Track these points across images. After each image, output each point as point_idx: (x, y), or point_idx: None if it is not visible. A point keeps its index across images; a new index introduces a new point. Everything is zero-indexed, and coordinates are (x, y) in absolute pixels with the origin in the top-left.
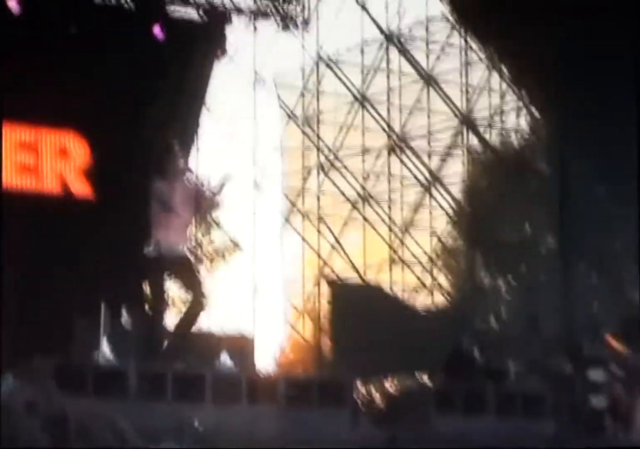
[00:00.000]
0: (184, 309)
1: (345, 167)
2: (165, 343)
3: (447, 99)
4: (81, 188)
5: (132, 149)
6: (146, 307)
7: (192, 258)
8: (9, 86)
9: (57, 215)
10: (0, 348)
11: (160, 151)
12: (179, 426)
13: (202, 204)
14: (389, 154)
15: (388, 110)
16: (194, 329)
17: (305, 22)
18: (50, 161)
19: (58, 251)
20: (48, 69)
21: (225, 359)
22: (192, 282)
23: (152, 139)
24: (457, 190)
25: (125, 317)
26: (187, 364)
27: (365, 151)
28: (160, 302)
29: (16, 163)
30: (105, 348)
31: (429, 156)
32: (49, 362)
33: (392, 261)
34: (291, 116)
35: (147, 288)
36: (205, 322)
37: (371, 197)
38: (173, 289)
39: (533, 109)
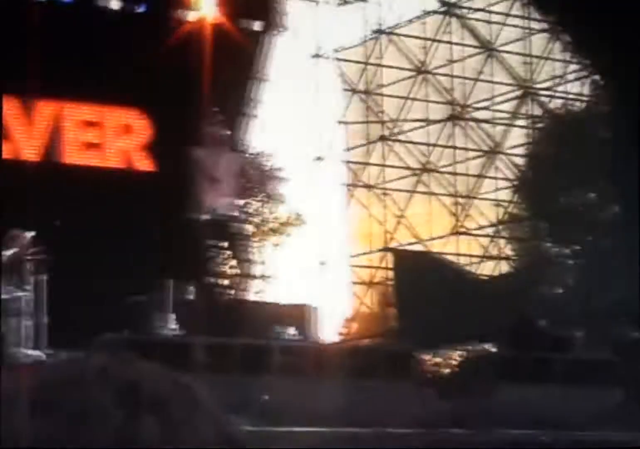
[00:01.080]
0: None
1: (409, 139)
2: (231, 314)
3: (509, 69)
4: (145, 164)
5: (191, 123)
6: (209, 279)
7: (239, 226)
8: (71, 66)
9: (122, 191)
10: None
11: (212, 124)
12: (247, 399)
13: (250, 173)
14: (453, 125)
15: (451, 81)
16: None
17: None
18: (115, 138)
19: (124, 228)
20: (109, 48)
21: (292, 330)
22: (238, 248)
23: (209, 113)
24: (520, 160)
25: (190, 290)
26: (254, 336)
27: (428, 122)
28: (219, 273)
29: (80, 141)
30: (173, 322)
31: (493, 127)
32: (120, 336)
33: (457, 232)
34: (354, 89)
35: (205, 258)
36: (273, 294)
37: (435, 168)
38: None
39: (595, 77)
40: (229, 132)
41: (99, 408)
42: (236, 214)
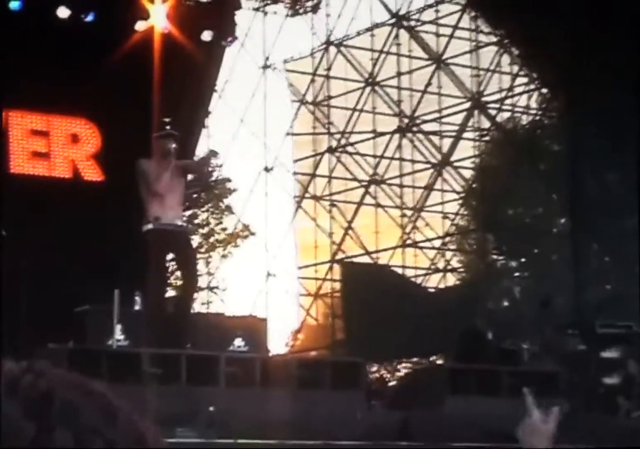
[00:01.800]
0: (178, 289)
1: (357, 151)
2: (178, 325)
3: (457, 81)
4: (91, 173)
5: (139, 134)
6: (155, 290)
7: (187, 236)
8: (18, 74)
9: (68, 200)
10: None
11: (161, 135)
12: (194, 410)
13: (198, 180)
14: (400, 137)
15: (399, 93)
16: (195, 309)
17: (315, 7)
18: (62, 147)
19: (71, 237)
20: (57, 56)
21: (239, 341)
22: (186, 259)
23: (159, 123)
24: (468, 172)
25: (137, 301)
26: (201, 347)
27: (376, 134)
28: (166, 283)
29: (27, 150)
30: (119, 333)
31: (440, 138)
32: (63, 347)
33: (404, 244)
34: (302, 100)
35: (152, 269)
36: (220, 305)
37: (383, 180)
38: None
39: (544, 90)
40: (176, 144)
41: (9, 421)
42: (183, 224)
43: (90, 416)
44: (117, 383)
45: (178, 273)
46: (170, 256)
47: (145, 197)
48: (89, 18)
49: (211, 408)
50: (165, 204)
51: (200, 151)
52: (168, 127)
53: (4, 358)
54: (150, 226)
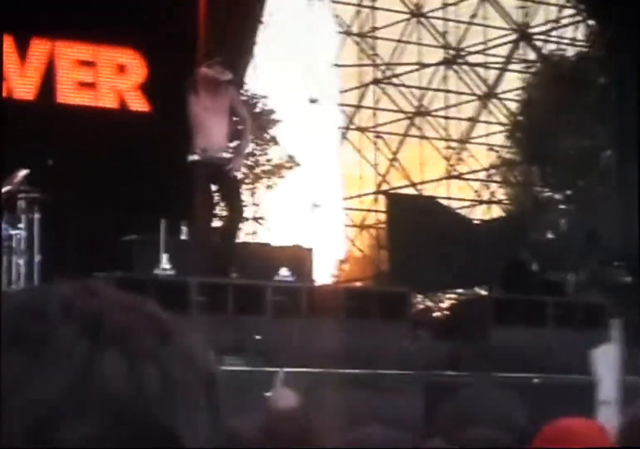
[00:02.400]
0: (224, 220)
1: (402, 83)
2: (225, 255)
3: (503, 13)
4: (139, 104)
5: (186, 64)
6: (201, 219)
7: (230, 168)
8: (64, 5)
9: (115, 132)
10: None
11: (208, 64)
12: (241, 339)
13: (243, 115)
14: (446, 69)
15: (444, 24)
16: (241, 240)
17: None
18: (108, 77)
19: (116, 168)
20: None
21: (284, 271)
22: (231, 192)
23: (207, 53)
24: (514, 104)
25: (183, 231)
26: (247, 276)
27: (421, 66)
28: (212, 213)
29: (73, 80)
30: (165, 262)
31: (486, 70)
32: (110, 276)
33: (449, 176)
34: (347, 31)
35: (198, 200)
36: (266, 236)
37: (428, 112)
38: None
39: (590, 22)
40: (225, 74)
41: (64, 340)
42: (228, 156)
43: (142, 338)
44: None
45: (225, 203)
46: (215, 186)
47: (192, 127)
48: None
49: (258, 337)
50: (211, 135)
51: (247, 83)
52: (216, 57)
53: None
54: (196, 157)
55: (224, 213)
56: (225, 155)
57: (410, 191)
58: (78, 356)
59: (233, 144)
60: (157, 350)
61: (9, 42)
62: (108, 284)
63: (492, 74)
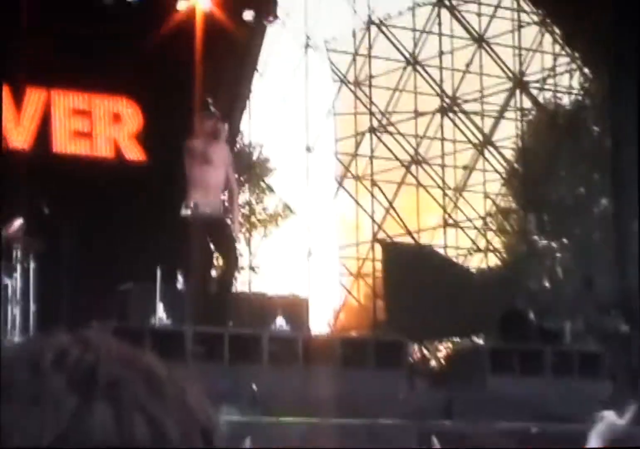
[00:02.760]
0: (218, 272)
1: (398, 131)
2: (220, 305)
3: (499, 61)
4: (134, 153)
5: (181, 113)
6: (199, 270)
7: (227, 220)
8: (60, 54)
9: (110, 180)
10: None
11: (204, 113)
12: (237, 388)
13: (239, 163)
14: (442, 117)
15: (440, 73)
16: (236, 289)
17: None
18: (104, 126)
19: (112, 217)
20: (99, 36)
21: (280, 321)
22: (226, 244)
23: (202, 104)
24: (510, 152)
25: (179, 280)
26: (243, 326)
27: (417, 114)
28: (209, 264)
29: (69, 129)
30: (161, 311)
31: (482, 119)
32: (106, 326)
33: (445, 224)
34: (343, 80)
35: (194, 250)
36: (261, 285)
37: (424, 160)
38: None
39: (585, 70)
40: (220, 123)
41: (53, 392)
42: (220, 211)
43: (134, 391)
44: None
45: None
46: (209, 238)
47: (191, 176)
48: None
49: (254, 386)
50: (205, 188)
51: (244, 130)
52: (212, 108)
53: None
54: (188, 212)
55: (219, 263)
56: (217, 209)
57: (407, 239)
58: (68, 408)
59: (225, 198)
60: (149, 403)
61: (4, 91)
62: (105, 334)
63: (488, 122)
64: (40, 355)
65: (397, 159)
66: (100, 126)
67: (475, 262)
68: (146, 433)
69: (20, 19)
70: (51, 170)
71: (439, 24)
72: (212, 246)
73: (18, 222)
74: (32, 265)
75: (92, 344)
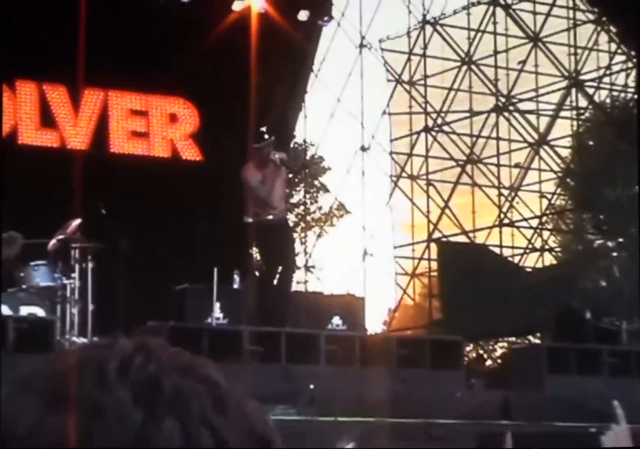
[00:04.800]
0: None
1: (453, 130)
2: (277, 305)
3: (554, 59)
4: (191, 153)
5: (237, 114)
6: (256, 271)
7: (285, 223)
8: (118, 55)
9: (168, 180)
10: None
11: (261, 145)
12: (294, 388)
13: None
14: (497, 116)
15: (495, 72)
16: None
17: None
18: (161, 127)
19: (169, 217)
20: (156, 37)
21: (337, 320)
22: (286, 248)
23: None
24: (565, 151)
25: (235, 280)
26: (300, 326)
27: (472, 113)
28: (270, 265)
29: (126, 129)
30: (217, 311)
31: (537, 117)
32: (163, 326)
33: (501, 224)
34: (398, 79)
35: (255, 253)
36: (317, 284)
37: (479, 159)
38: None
39: None
40: (278, 155)
41: (120, 405)
42: (282, 217)
43: (198, 404)
44: (217, 362)
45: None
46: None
47: (246, 194)
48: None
49: (311, 386)
50: (268, 205)
51: (298, 132)
52: (266, 136)
53: (111, 336)
54: (250, 220)
55: (277, 264)
56: (276, 216)
57: (462, 238)
58: (134, 423)
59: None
60: (214, 417)
61: (63, 92)
62: (162, 339)
63: (543, 121)
64: (104, 364)
65: (452, 158)
66: (157, 126)
67: (531, 262)
68: (212, 448)
69: (77, 20)
70: (108, 170)
71: (494, 22)
72: (273, 247)
73: (76, 223)
74: (90, 265)
75: (153, 352)
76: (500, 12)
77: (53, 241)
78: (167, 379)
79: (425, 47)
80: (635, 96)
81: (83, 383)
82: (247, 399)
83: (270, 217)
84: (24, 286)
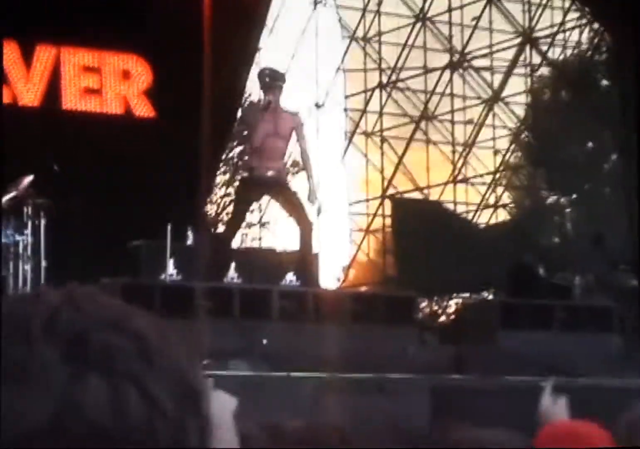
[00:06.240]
0: (297, 232)
1: (408, 87)
2: (232, 261)
3: (509, 16)
4: (144, 110)
5: (191, 70)
6: (207, 225)
7: (284, 182)
8: (70, 10)
9: (121, 137)
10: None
11: (264, 85)
12: (247, 344)
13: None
14: (451, 72)
15: (450, 28)
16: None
17: None
18: (114, 83)
19: (122, 173)
20: None
21: (290, 276)
22: (295, 205)
23: (216, 61)
24: (519, 108)
25: (188, 236)
26: (253, 281)
27: (427, 70)
28: (236, 223)
29: (79, 86)
30: (171, 268)
31: (492, 74)
32: (116, 281)
33: (455, 180)
34: (353, 36)
35: (232, 208)
36: (272, 241)
37: (434, 116)
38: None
39: (595, 25)
40: (278, 95)
41: (44, 361)
42: (278, 174)
43: (124, 359)
44: (170, 318)
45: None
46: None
47: (249, 145)
48: None
49: (264, 341)
50: (263, 155)
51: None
52: (267, 79)
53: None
54: (245, 175)
55: (295, 224)
56: (273, 174)
57: (416, 195)
58: (59, 382)
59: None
60: (141, 373)
61: (14, 48)
62: (113, 289)
63: (497, 78)
64: (29, 319)
65: (406, 115)
66: (110, 83)
67: (485, 218)
68: (140, 407)
69: None
70: (61, 127)
71: None
72: (281, 208)
73: (28, 180)
74: (42, 222)
75: (81, 304)
76: None
77: (5, 198)
78: (94, 334)
79: (379, 3)
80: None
81: (7, 341)
82: (178, 351)
83: (265, 174)
84: None
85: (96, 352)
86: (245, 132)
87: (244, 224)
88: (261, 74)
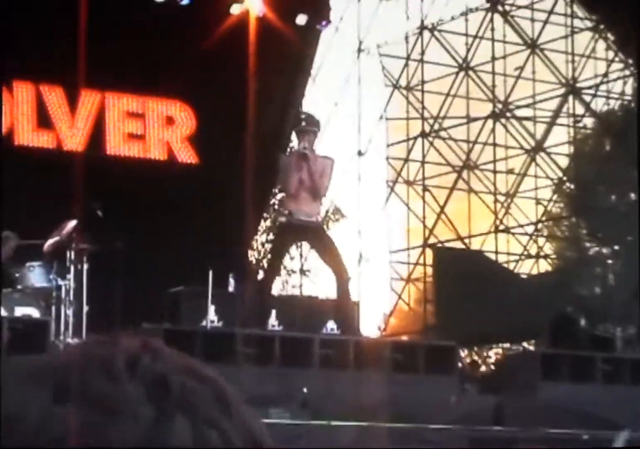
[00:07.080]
0: (333, 280)
1: (450, 136)
2: (273, 308)
3: (552, 67)
4: (187, 156)
5: (234, 117)
6: (256, 274)
7: (320, 227)
8: (115, 57)
9: (164, 183)
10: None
11: (298, 130)
12: (288, 392)
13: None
14: (494, 122)
15: (492, 78)
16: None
17: None
18: (157, 129)
19: (165, 219)
20: (153, 39)
21: (331, 324)
22: (331, 252)
23: (260, 109)
24: (562, 158)
25: (230, 283)
26: (294, 329)
27: (469, 119)
28: (275, 269)
29: (122, 131)
30: (212, 314)
31: (534, 124)
32: (157, 327)
33: (497, 230)
34: (396, 85)
35: (270, 254)
36: (312, 288)
37: (476, 165)
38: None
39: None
40: (314, 138)
41: (131, 401)
42: (315, 219)
43: (206, 405)
44: (210, 364)
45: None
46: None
47: (285, 191)
48: (185, 1)
49: (305, 390)
50: (299, 200)
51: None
52: (303, 123)
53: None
54: (283, 219)
55: (330, 269)
56: (313, 219)
57: (458, 244)
58: (146, 419)
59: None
60: (218, 415)
61: (59, 93)
62: (155, 335)
63: (540, 128)
64: (112, 359)
65: (448, 164)
66: (153, 129)
67: (526, 268)
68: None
69: (76, 20)
70: (104, 172)
71: (492, 29)
72: (316, 253)
73: (72, 224)
74: (85, 267)
75: (158, 350)
76: (498, 19)
77: (49, 242)
78: (174, 378)
79: (423, 52)
80: (635, 103)
81: (92, 377)
82: (243, 403)
83: (303, 218)
84: (19, 287)
85: (177, 393)
86: (282, 178)
87: (284, 271)
88: (297, 119)
